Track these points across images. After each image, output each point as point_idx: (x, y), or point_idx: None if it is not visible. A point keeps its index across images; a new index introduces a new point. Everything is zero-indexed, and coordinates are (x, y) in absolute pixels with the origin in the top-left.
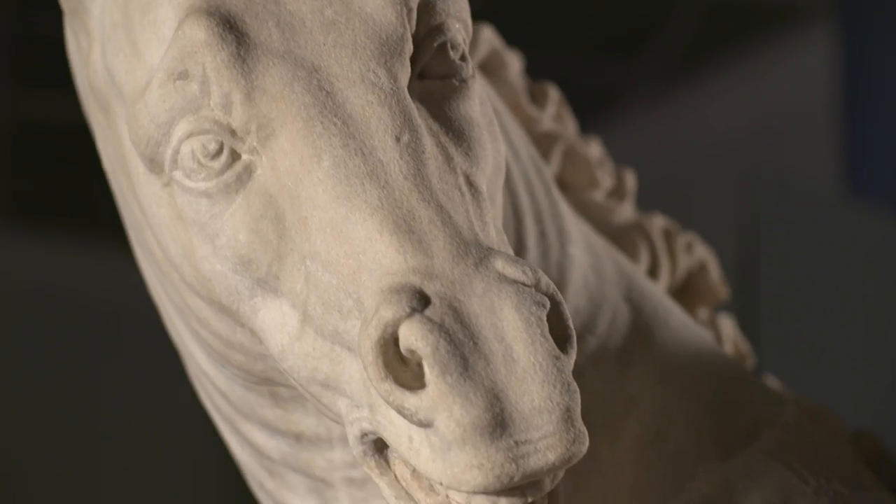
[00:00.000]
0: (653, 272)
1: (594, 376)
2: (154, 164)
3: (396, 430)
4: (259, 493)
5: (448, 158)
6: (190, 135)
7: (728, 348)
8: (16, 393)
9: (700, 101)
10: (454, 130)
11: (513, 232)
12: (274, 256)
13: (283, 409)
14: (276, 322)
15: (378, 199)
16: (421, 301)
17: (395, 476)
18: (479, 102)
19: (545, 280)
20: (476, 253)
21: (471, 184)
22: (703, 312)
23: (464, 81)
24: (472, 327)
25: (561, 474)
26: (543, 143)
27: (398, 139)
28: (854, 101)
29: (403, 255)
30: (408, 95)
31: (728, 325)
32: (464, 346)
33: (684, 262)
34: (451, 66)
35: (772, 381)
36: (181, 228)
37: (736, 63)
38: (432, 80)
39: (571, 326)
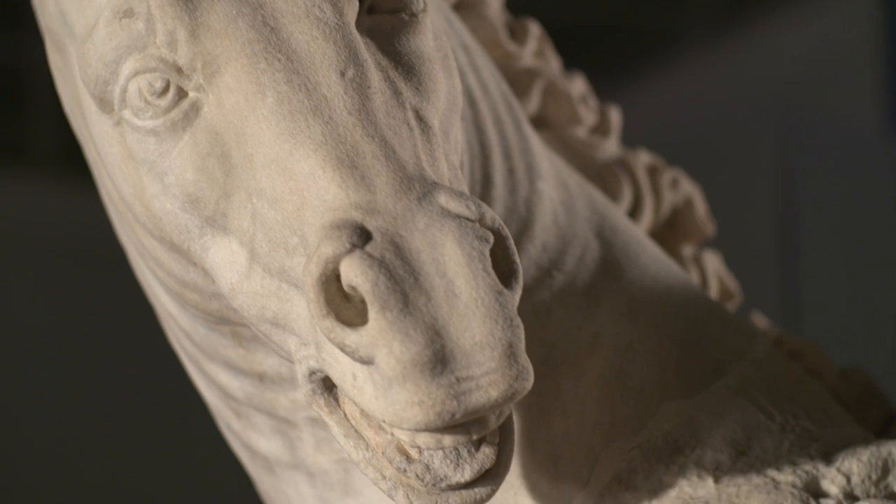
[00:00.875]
0: (636, 208)
1: (560, 313)
2: (104, 104)
3: (341, 368)
4: (227, 434)
5: (396, 93)
6: (136, 73)
7: (713, 285)
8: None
9: (747, 47)
10: (404, 65)
11: (480, 168)
12: (221, 194)
13: (245, 348)
14: (225, 260)
15: (322, 135)
16: (362, 237)
17: (345, 414)
18: (434, 37)
19: (490, 214)
20: (419, 188)
21: (420, 118)
22: (688, 249)
23: (414, 16)
24: (414, 262)
25: (507, 411)
26: (523, 79)
27: (343, 74)
28: None
29: (346, 190)
30: (354, 30)
31: (713, 262)
32: (404, 282)
33: (669, 199)
34: (400, 1)
35: (759, 319)
36: (132, 167)
37: (782, 7)
38: (382, 14)
39: (517, 261)
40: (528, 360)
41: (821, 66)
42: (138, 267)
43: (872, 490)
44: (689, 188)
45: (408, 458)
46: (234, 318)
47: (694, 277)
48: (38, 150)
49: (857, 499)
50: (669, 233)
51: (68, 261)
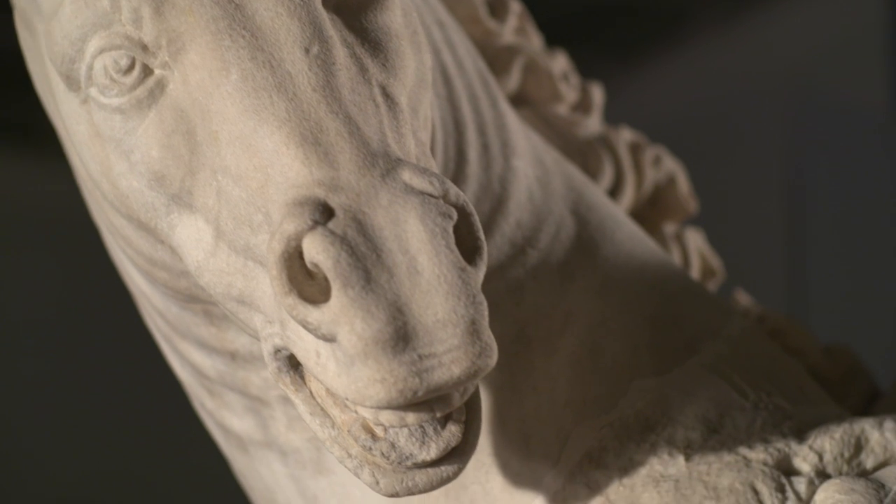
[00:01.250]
0: (618, 186)
1: (534, 290)
2: (71, 81)
3: (305, 346)
4: (201, 413)
5: (362, 70)
6: (102, 51)
7: (695, 263)
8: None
9: (759, 28)
10: (370, 41)
11: (454, 145)
12: (186, 171)
13: (216, 327)
14: (192, 238)
15: (286, 112)
16: (324, 213)
17: (311, 392)
18: (403, 13)
19: (454, 190)
20: (383, 164)
21: (387, 95)
22: (670, 227)
23: None
24: (376, 239)
25: (472, 388)
26: (503, 56)
27: (307, 51)
28: None
29: (309, 167)
30: (320, 6)
31: (695, 239)
32: (366, 259)
33: (651, 176)
34: None
35: (742, 297)
36: (99, 146)
37: None
38: None
39: (482, 238)
40: (491, 336)
41: (832, 51)
42: (111, 246)
43: (845, 468)
44: (671, 165)
45: (373, 436)
46: (202, 297)
47: (676, 255)
48: (45, 132)
49: (829, 476)
50: (652, 210)
51: (74, 240)
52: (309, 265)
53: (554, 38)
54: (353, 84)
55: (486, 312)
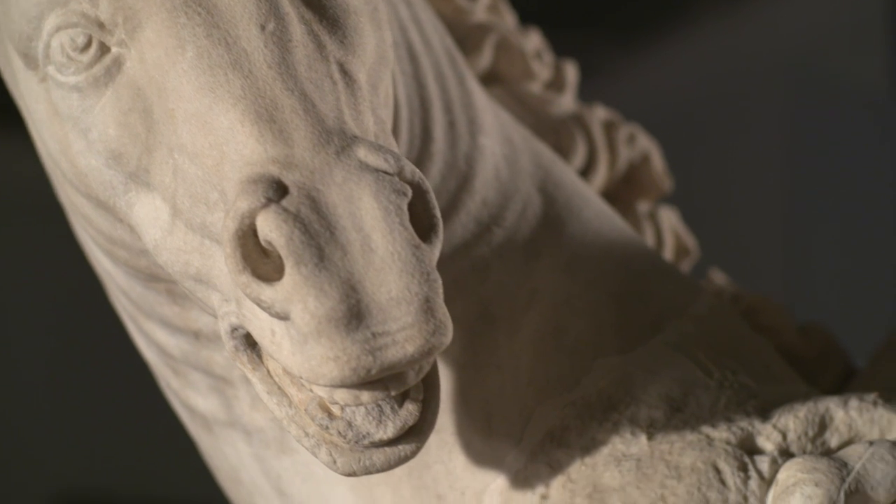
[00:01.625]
0: (591, 164)
1: (499, 268)
2: (29, 60)
3: (260, 324)
4: (167, 392)
5: (320, 47)
6: (59, 28)
7: (668, 242)
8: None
9: (762, 8)
10: (329, 18)
11: (419, 122)
12: (143, 150)
13: (180, 306)
14: (149, 216)
15: (241, 89)
16: (278, 191)
17: (268, 371)
18: None
19: (409, 168)
20: (338, 142)
21: (345, 72)
22: (644, 205)
23: None
24: (330, 217)
25: (427, 367)
26: (475, 34)
27: (263, 27)
28: None
29: (263, 144)
30: None
31: (669, 218)
32: (320, 237)
33: (625, 154)
34: None
35: (717, 276)
36: (58, 124)
37: None
38: None
39: (438, 216)
40: (446, 314)
41: (833, 34)
42: (74, 226)
43: (809, 447)
44: (646, 144)
45: (330, 415)
46: (162, 275)
47: (649, 234)
48: None
49: (792, 455)
50: (625, 189)
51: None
52: (263, 243)
53: (557, 22)
54: (310, 61)
55: (440, 290)
